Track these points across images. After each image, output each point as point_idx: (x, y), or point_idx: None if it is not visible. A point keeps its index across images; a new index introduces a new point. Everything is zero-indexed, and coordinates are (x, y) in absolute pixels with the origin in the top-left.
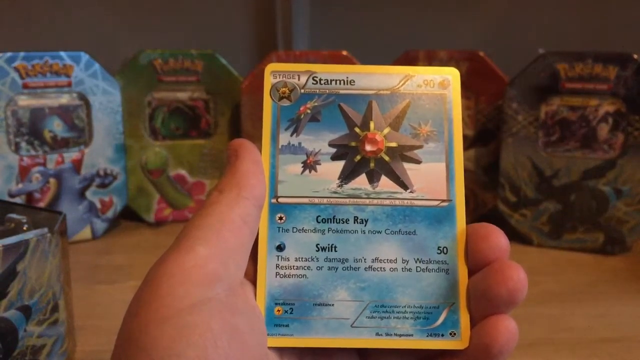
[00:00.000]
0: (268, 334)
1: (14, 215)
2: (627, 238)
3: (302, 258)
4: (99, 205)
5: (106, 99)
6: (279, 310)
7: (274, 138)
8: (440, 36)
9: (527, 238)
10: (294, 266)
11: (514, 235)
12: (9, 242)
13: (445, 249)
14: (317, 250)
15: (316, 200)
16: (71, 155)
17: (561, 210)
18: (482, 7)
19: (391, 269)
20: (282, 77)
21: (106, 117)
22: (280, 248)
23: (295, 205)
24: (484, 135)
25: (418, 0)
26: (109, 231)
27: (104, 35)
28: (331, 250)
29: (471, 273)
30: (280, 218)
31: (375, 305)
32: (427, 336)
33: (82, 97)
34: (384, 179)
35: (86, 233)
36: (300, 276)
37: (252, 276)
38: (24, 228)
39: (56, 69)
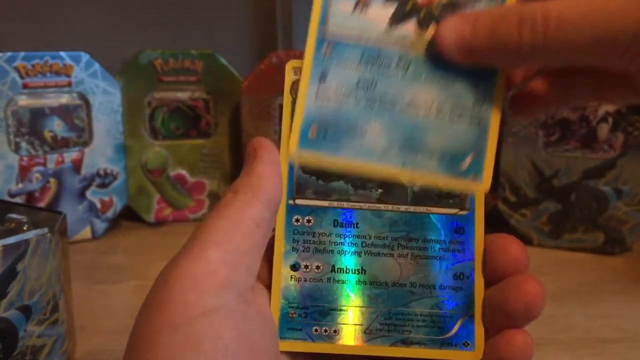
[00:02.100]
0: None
1: (14, 215)
2: (627, 238)
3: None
4: (99, 205)
5: (106, 98)
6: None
7: None
8: None
9: (527, 238)
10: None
11: (514, 235)
12: (9, 242)
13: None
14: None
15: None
16: (71, 155)
17: (561, 210)
18: None
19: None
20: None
21: (106, 117)
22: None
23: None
24: None
25: None
26: (109, 231)
27: (104, 35)
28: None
29: (488, 285)
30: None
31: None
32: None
33: (82, 97)
34: (431, 30)
35: (86, 233)
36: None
37: (265, 280)
38: (24, 228)
39: (56, 68)
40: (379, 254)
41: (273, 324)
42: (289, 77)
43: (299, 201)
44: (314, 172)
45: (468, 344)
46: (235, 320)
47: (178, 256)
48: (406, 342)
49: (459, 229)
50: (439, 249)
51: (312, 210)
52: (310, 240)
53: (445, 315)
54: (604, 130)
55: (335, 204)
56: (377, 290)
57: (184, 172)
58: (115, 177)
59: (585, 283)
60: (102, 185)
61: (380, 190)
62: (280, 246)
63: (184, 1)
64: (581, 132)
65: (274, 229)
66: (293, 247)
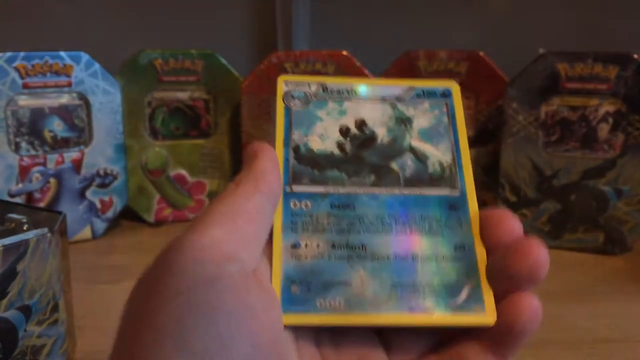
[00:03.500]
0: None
1: (14, 215)
2: (627, 238)
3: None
4: (99, 205)
5: (106, 98)
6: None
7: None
8: (440, 36)
9: None
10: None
11: None
12: (9, 242)
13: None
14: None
15: (331, 190)
16: (71, 155)
17: (561, 210)
18: (482, 7)
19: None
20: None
21: (106, 117)
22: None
23: (310, 194)
24: (484, 135)
25: (418, 0)
26: (109, 231)
27: (104, 35)
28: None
29: (487, 256)
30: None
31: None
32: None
33: (82, 97)
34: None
35: (86, 233)
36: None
37: (268, 256)
38: (24, 228)
39: (56, 68)
40: (377, 231)
41: (277, 300)
42: (280, 89)
43: (295, 188)
44: (309, 162)
45: (479, 309)
46: (238, 290)
47: (181, 234)
48: (414, 311)
49: (454, 205)
50: (437, 224)
51: (309, 195)
52: (308, 222)
53: (452, 283)
54: (604, 130)
55: (331, 189)
56: (379, 264)
57: (184, 172)
58: (115, 177)
59: (585, 283)
60: (102, 185)
61: (373, 176)
62: (279, 227)
63: (184, 1)
64: (581, 132)
65: None
66: (292, 228)
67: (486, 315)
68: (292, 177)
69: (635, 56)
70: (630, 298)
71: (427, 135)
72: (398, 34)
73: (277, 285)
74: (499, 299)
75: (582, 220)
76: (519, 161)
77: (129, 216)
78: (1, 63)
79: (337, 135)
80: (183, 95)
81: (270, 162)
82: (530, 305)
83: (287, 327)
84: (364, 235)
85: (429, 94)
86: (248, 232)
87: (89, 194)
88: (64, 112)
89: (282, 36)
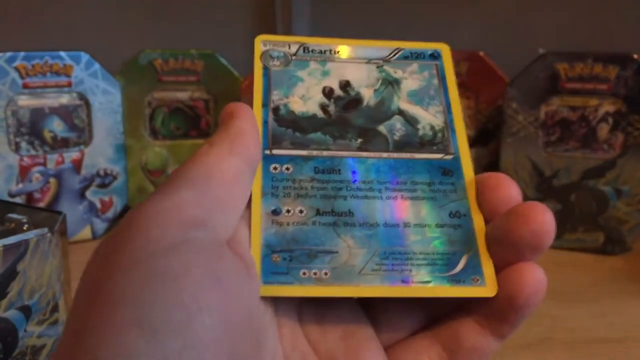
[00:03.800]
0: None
1: (14, 215)
2: (627, 238)
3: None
4: (99, 205)
5: (106, 98)
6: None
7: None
8: (440, 36)
9: None
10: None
11: None
12: (9, 242)
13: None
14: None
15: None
16: (71, 155)
17: (561, 210)
18: (483, 6)
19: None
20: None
21: (106, 117)
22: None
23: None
24: (484, 135)
25: (418, 0)
26: (109, 231)
27: (104, 35)
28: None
29: (485, 223)
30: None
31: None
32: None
33: (82, 97)
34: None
35: (86, 233)
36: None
37: (248, 221)
38: (24, 228)
39: (56, 68)
40: (366, 197)
41: (254, 268)
42: (258, 48)
43: (275, 151)
44: (290, 124)
45: (478, 280)
46: (207, 258)
47: (147, 198)
48: (407, 282)
49: (447, 171)
50: (429, 190)
51: (291, 158)
52: (290, 187)
53: (448, 252)
54: (604, 130)
55: (315, 152)
56: (368, 231)
57: None
58: (115, 177)
59: (585, 283)
60: (102, 185)
61: (360, 140)
62: (258, 192)
63: (184, 1)
64: (581, 132)
65: None
66: (272, 193)
67: (486, 287)
68: (272, 140)
69: (635, 56)
70: (630, 298)
71: (417, 97)
72: (398, 34)
73: (256, 254)
74: (499, 270)
75: (582, 220)
76: (519, 161)
77: None
78: (1, 63)
79: (319, 97)
80: (183, 95)
81: (248, 122)
82: (534, 275)
83: (265, 298)
84: (350, 200)
85: (417, 56)
86: (222, 197)
87: (89, 194)
88: (64, 112)
89: (283, 34)
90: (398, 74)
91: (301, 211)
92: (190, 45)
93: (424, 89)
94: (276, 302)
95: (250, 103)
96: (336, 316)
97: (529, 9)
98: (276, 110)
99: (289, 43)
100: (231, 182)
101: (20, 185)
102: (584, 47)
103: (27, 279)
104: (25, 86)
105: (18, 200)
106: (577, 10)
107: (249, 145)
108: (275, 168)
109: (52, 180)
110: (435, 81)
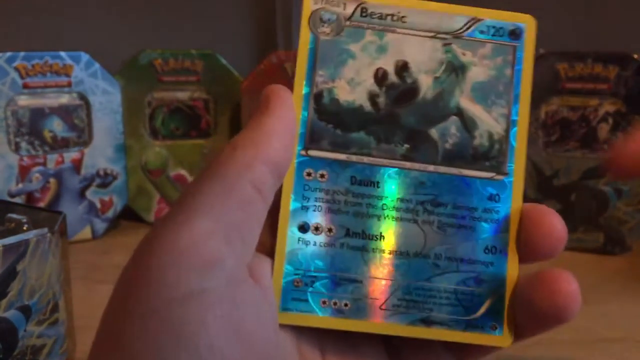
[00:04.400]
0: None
1: (14, 215)
2: (627, 238)
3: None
4: (99, 205)
5: (106, 98)
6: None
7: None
8: None
9: None
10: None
11: None
12: (9, 242)
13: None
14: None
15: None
16: (71, 155)
17: (561, 210)
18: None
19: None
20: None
21: (106, 117)
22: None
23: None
24: None
25: None
26: (109, 231)
27: (104, 35)
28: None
29: (522, 262)
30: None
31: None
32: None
33: (82, 97)
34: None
35: (86, 233)
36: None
37: (267, 247)
38: (24, 228)
39: (56, 68)
40: (401, 218)
41: (273, 302)
42: (307, 6)
43: (312, 152)
44: (332, 118)
45: (496, 327)
46: (224, 305)
47: (160, 225)
48: (426, 322)
49: (494, 196)
50: (470, 217)
51: (327, 163)
52: (322, 198)
53: (473, 294)
54: (604, 130)
55: (354, 158)
56: (396, 260)
57: (184, 172)
58: (115, 177)
59: (585, 283)
60: (102, 185)
61: (406, 146)
62: (287, 203)
63: (184, 1)
64: (581, 132)
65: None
66: (302, 205)
67: (503, 336)
68: (310, 137)
69: (635, 56)
70: (630, 298)
71: (482, 92)
72: None
73: (278, 275)
74: (519, 327)
75: (582, 220)
76: None
77: (129, 216)
78: (1, 63)
79: (370, 82)
80: (183, 95)
81: (283, 120)
82: None
83: (284, 326)
84: (384, 221)
85: (495, 32)
86: (242, 217)
87: (89, 194)
88: (64, 112)
89: (282, 36)
90: (467, 56)
91: (330, 230)
92: (190, 45)
93: (492, 82)
94: (299, 330)
95: (250, 103)
96: (356, 349)
97: (529, 9)
98: (319, 97)
99: (344, 1)
100: (252, 196)
101: (20, 185)
102: (584, 47)
103: (27, 279)
104: (25, 86)
105: (18, 200)
106: (577, 10)
107: (277, 151)
108: (309, 174)
109: (52, 180)
110: (508, 72)
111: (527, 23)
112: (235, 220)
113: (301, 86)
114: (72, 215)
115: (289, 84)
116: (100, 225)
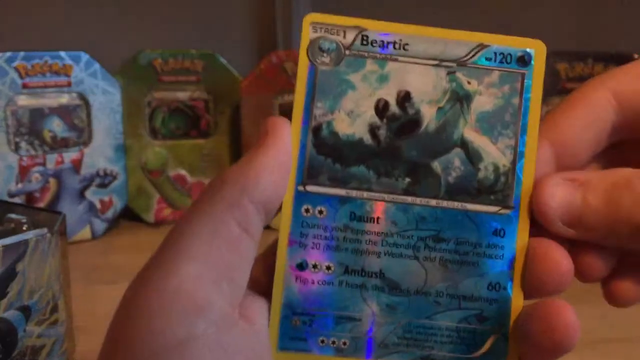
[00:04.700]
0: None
1: (13, 216)
2: None
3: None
4: (98, 205)
5: (106, 98)
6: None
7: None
8: None
9: None
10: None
11: None
12: (8, 242)
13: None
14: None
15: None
16: (71, 155)
17: None
18: (482, 6)
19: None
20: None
21: (106, 117)
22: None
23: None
24: None
25: (417, 0)
26: (108, 231)
27: (104, 35)
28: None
29: (527, 297)
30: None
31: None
32: None
33: (82, 97)
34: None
35: (86, 233)
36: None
37: (263, 285)
38: (24, 228)
39: (56, 68)
40: (401, 255)
41: (267, 344)
42: (306, 35)
43: (310, 188)
44: (331, 151)
45: None
46: (216, 352)
47: (146, 271)
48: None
49: (499, 231)
50: (473, 253)
51: (326, 199)
52: (321, 235)
53: (475, 332)
54: None
55: (354, 193)
56: (396, 298)
57: (183, 172)
58: (114, 177)
59: (585, 284)
60: (102, 185)
61: (408, 179)
62: (285, 240)
63: (184, 1)
64: None
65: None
66: (300, 243)
67: None
68: (308, 172)
69: (636, 56)
70: None
71: (488, 123)
72: None
73: (276, 314)
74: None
75: None
76: None
77: (129, 216)
78: (1, 63)
79: (371, 114)
80: (183, 95)
81: (277, 155)
82: None
83: None
84: (384, 258)
85: (502, 59)
86: (231, 259)
87: (88, 194)
88: (63, 112)
89: (282, 36)
90: (472, 85)
91: (328, 267)
92: (190, 45)
93: (498, 112)
94: None
95: (250, 103)
96: None
97: (529, 9)
98: (317, 130)
99: (344, 28)
100: (240, 235)
101: (20, 185)
102: (584, 47)
103: (26, 279)
104: (24, 86)
105: (18, 200)
106: (577, 10)
107: (267, 190)
108: (307, 210)
109: (51, 180)
110: (516, 101)
111: (536, 49)
112: (224, 262)
113: (299, 119)
114: (71, 216)
115: (289, 84)
116: (100, 226)
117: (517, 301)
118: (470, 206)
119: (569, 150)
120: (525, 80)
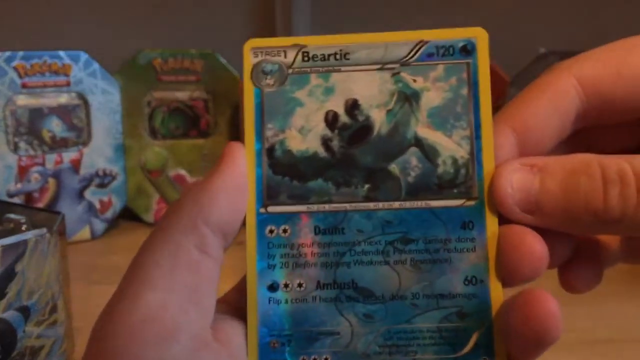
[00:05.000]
0: None
1: (12, 216)
2: None
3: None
4: (98, 206)
5: (105, 98)
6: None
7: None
8: None
9: None
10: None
11: None
12: (7, 242)
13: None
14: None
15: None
16: (70, 155)
17: None
18: (482, 6)
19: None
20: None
21: (105, 116)
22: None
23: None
24: None
25: (418, 0)
26: (108, 231)
27: (103, 35)
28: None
29: (505, 286)
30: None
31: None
32: None
33: (81, 96)
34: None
35: (85, 233)
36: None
37: (237, 306)
38: (23, 228)
39: (55, 68)
40: (371, 262)
41: (243, 354)
42: (248, 61)
43: (271, 208)
44: (288, 170)
45: None
46: None
47: (112, 302)
48: None
49: (467, 223)
50: (444, 249)
51: (289, 217)
52: (288, 254)
53: (458, 329)
54: None
55: (315, 207)
56: (372, 306)
57: (183, 172)
58: (114, 177)
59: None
60: (101, 185)
61: (367, 186)
62: (253, 264)
63: (184, 1)
64: None
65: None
66: (269, 264)
67: None
68: (267, 193)
69: None
70: (630, 298)
71: (439, 117)
72: None
73: (253, 338)
74: (513, 357)
75: None
76: None
77: (128, 216)
78: (0, 63)
79: (322, 127)
80: (182, 95)
81: (232, 179)
82: None
83: None
84: (354, 268)
85: (444, 52)
86: (193, 282)
87: (88, 194)
88: (62, 112)
89: (282, 36)
90: (418, 83)
91: (300, 285)
92: (190, 45)
93: (448, 105)
94: None
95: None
96: None
97: (530, 8)
98: (271, 151)
99: (284, 49)
100: (199, 259)
101: (19, 185)
102: (584, 47)
103: (25, 280)
104: (23, 86)
105: (17, 200)
106: (577, 10)
107: (223, 211)
108: (271, 231)
109: (50, 180)
110: (465, 91)
111: (477, 36)
112: (187, 287)
113: (252, 143)
114: (71, 216)
115: None
116: (100, 226)
117: (497, 292)
118: (434, 203)
119: (532, 137)
120: (472, 69)
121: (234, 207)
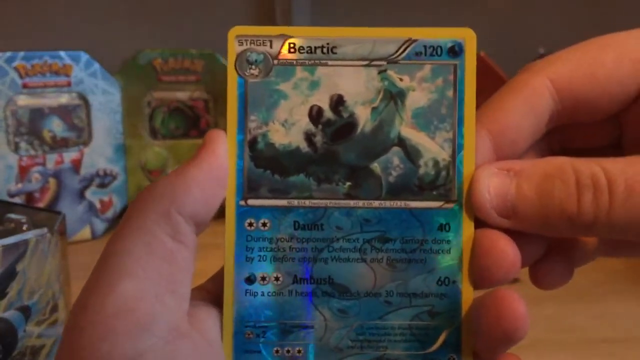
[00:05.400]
0: None
1: (13, 215)
2: None
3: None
4: (98, 205)
5: (106, 98)
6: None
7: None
8: None
9: None
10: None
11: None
12: (8, 242)
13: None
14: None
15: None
16: (71, 155)
17: None
18: (482, 6)
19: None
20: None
21: (106, 116)
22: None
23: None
24: None
25: (418, 0)
26: (108, 231)
27: (104, 35)
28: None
29: (476, 288)
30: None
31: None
32: None
33: (82, 96)
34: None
35: (86, 233)
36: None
37: (213, 295)
38: (24, 228)
39: (55, 68)
40: (348, 259)
41: (221, 352)
42: (232, 49)
43: (251, 202)
44: (269, 163)
45: (454, 359)
46: None
47: (84, 295)
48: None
49: (444, 225)
50: (420, 250)
51: (268, 211)
52: (266, 247)
53: (428, 327)
54: None
55: (296, 202)
56: (347, 302)
57: None
58: (114, 177)
59: (585, 283)
60: (102, 185)
61: (348, 183)
62: (231, 257)
63: (184, 1)
64: None
65: None
66: (247, 257)
67: None
68: (248, 186)
69: None
70: (630, 298)
71: (423, 118)
72: None
73: (228, 329)
74: (479, 352)
75: None
76: None
77: None
78: (1, 63)
79: (305, 122)
80: (183, 95)
81: (208, 167)
82: None
83: None
84: (331, 264)
85: (432, 51)
86: (168, 271)
87: (88, 194)
88: (63, 112)
89: None
90: (404, 81)
91: (277, 278)
92: (190, 45)
93: (433, 106)
94: None
95: None
96: None
97: (529, 9)
98: (253, 143)
99: (270, 38)
100: (174, 248)
101: (20, 185)
102: None
103: (26, 279)
104: (24, 86)
105: (17, 200)
106: (577, 10)
107: (197, 201)
108: (250, 224)
109: (51, 180)
110: (450, 93)
111: (465, 38)
112: (162, 276)
113: (234, 133)
114: (71, 216)
115: None
116: (100, 226)
117: (468, 294)
118: (414, 204)
119: (507, 138)
120: (458, 71)
121: (209, 199)
